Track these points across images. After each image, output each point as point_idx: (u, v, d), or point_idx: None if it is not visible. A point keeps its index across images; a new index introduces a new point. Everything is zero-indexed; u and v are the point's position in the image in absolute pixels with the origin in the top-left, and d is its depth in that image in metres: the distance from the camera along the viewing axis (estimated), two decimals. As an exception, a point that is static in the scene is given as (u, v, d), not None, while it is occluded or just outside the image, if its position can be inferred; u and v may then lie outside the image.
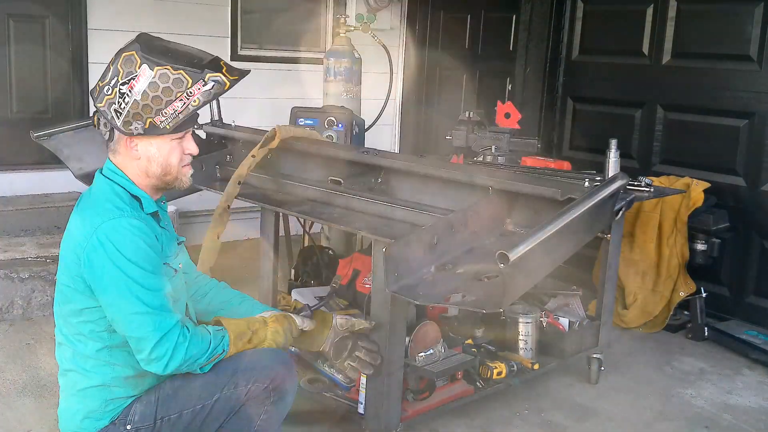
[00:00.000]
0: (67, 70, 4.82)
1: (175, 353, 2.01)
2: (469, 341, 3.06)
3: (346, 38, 4.14)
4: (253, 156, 2.87)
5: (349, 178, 2.81)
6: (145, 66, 1.99)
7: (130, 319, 2.02)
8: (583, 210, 2.21)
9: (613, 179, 2.63)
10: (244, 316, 2.28)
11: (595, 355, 3.41)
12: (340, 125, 3.59)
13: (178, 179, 2.17)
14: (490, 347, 3.10)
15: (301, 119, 3.72)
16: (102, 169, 2.17)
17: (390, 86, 4.46)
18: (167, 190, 2.21)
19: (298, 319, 2.30)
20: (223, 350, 2.11)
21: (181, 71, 2.02)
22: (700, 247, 4.09)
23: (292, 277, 3.96)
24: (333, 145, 3.33)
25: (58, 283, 2.29)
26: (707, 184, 4.07)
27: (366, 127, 4.23)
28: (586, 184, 2.74)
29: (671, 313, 4.12)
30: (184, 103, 2.04)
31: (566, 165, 3.67)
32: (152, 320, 2.01)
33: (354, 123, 3.71)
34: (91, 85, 4.94)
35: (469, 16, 5.90)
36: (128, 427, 2.18)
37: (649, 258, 4.11)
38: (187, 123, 2.09)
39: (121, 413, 2.20)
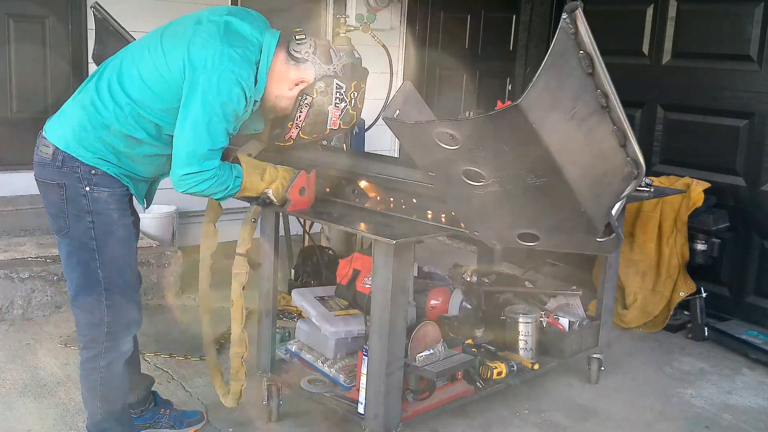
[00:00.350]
0: (67, 70, 4.82)
1: (199, 185, 2.29)
2: (469, 341, 3.06)
3: (346, 38, 4.15)
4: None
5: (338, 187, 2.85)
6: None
7: (192, 134, 2.27)
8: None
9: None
10: None
11: (595, 355, 3.42)
12: None
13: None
14: (490, 347, 3.10)
15: None
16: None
17: (390, 86, 4.46)
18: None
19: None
20: (236, 191, 2.41)
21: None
22: (700, 247, 4.09)
23: (292, 277, 3.96)
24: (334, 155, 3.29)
25: (150, 45, 2.45)
26: (707, 184, 4.07)
27: (366, 127, 4.23)
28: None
29: (671, 313, 4.13)
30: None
31: (566, 165, 3.67)
32: (202, 152, 2.26)
33: (354, 123, 3.70)
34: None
35: (469, 16, 5.90)
36: (84, 183, 2.35)
37: (649, 258, 4.11)
38: None
39: (92, 165, 2.35)
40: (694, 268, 4.12)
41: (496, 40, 5.66)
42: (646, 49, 4.63)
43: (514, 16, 5.47)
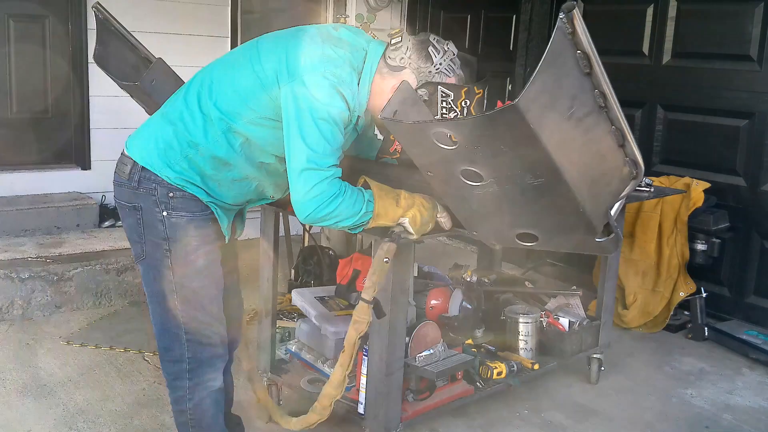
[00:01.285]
0: (67, 70, 4.83)
1: (327, 204, 2.06)
2: (469, 341, 3.06)
3: None
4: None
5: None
6: None
7: (302, 142, 2.06)
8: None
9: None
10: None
11: (595, 356, 3.42)
12: None
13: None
14: (490, 347, 3.10)
15: None
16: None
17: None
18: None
19: (445, 215, 2.30)
20: (368, 219, 2.15)
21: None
22: (701, 247, 4.09)
23: (292, 277, 3.95)
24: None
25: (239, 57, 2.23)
26: (707, 185, 4.07)
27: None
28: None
29: (671, 313, 4.13)
30: None
31: (566, 165, 3.67)
32: (321, 152, 2.05)
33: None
34: (91, 85, 5.01)
35: (469, 16, 5.90)
36: (162, 208, 2.15)
37: (650, 258, 4.11)
38: None
39: (173, 185, 2.14)
40: (694, 268, 4.12)
41: (496, 40, 5.66)
42: (646, 49, 4.63)
43: (514, 16, 5.47)
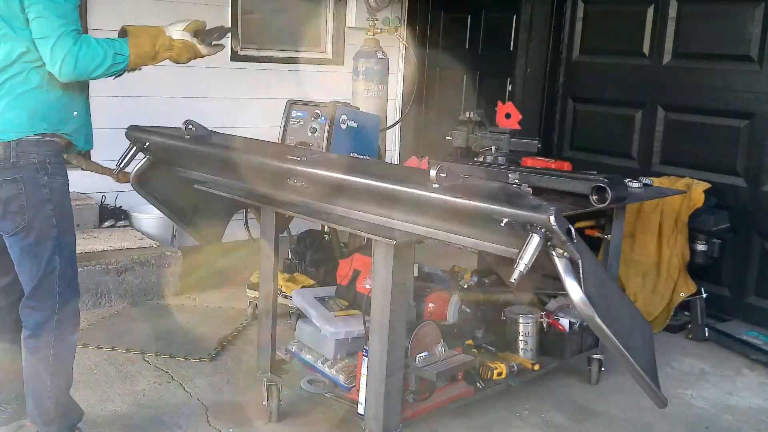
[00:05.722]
0: (67, 70, 4.81)
1: (67, 58, 2.31)
2: (470, 342, 3.06)
3: (375, 40, 4.25)
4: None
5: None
6: None
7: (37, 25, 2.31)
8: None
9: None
10: None
11: (595, 356, 3.42)
12: (323, 118, 3.61)
13: None
14: (490, 348, 3.10)
15: (293, 111, 3.78)
16: None
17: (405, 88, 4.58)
18: None
19: (203, 48, 2.72)
20: (123, 61, 2.45)
21: None
22: (701, 247, 4.09)
23: (290, 256, 4.03)
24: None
25: None
26: (708, 185, 4.07)
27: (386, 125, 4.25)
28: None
29: (672, 313, 4.12)
30: None
31: (567, 165, 3.67)
32: (55, 25, 2.30)
33: (344, 118, 3.69)
34: (91, 85, 4.98)
35: (469, 16, 5.91)
36: (42, 174, 2.42)
37: (650, 258, 4.11)
38: None
39: (49, 134, 2.44)
40: (694, 269, 4.12)
41: (496, 40, 5.66)
42: (646, 49, 4.63)
43: (515, 16, 5.48)
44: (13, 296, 2.59)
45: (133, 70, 2.53)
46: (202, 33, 2.73)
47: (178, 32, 2.68)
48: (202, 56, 2.71)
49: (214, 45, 2.75)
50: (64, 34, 2.30)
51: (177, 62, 2.64)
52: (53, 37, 2.30)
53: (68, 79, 2.37)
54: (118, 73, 2.50)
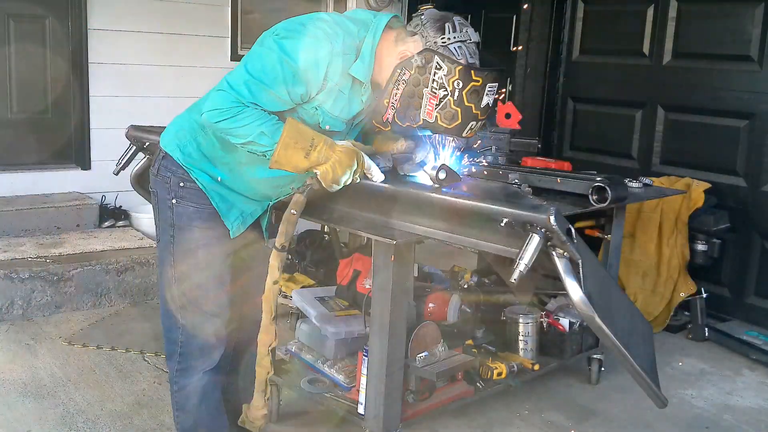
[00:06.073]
0: (67, 70, 4.82)
1: (216, 113, 2.03)
2: (470, 342, 3.06)
3: None
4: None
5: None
6: None
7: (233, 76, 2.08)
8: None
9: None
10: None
11: (595, 356, 3.41)
12: None
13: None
14: (490, 348, 3.10)
15: None
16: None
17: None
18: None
19: (374, 169, 2.21)
20: (269, 142, 2.04)
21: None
22: (701, 247, 4.08)
23: (289, 256, 4.04)
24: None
25: None
26: (708, 185, 4.07)
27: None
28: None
29: (672, 313, 4.12)
30: None
31: (567, 165, 3.67)
32: (240, 80, 2.04)
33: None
34: (91, 85, 5.02)
35: (469, 16, 5.85)
36: (171, 195, 2.23)
37: (650, 258, 4.11)
38: None
39: (185, 174, 2.22)
40: (694, 269, 4.12)
41: (496, 40, 5.66)
42: (646, 49, 4.63)
43: (514, 16, 5.47)
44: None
45: (276, 163, 2.08)
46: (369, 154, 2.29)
47: (342, 142, 2.20)
48: (364, 170, 2.20)
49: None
50: (237, 92, 2.03)
51: (327, 180, 2.14)
52: (227, 86, 2.05)
53: (207, 121, 2.09)
54: (257, 153, 2.11)
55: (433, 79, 2.05)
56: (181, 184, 2.21)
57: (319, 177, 2.14)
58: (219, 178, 2.22)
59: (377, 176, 2.24)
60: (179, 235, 2.24)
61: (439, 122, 2.13)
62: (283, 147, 2.03)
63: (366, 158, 2.20)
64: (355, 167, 2.15)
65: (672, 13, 4.49)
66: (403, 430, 2.61)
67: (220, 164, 2.20)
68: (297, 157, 2.05)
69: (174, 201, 2.22)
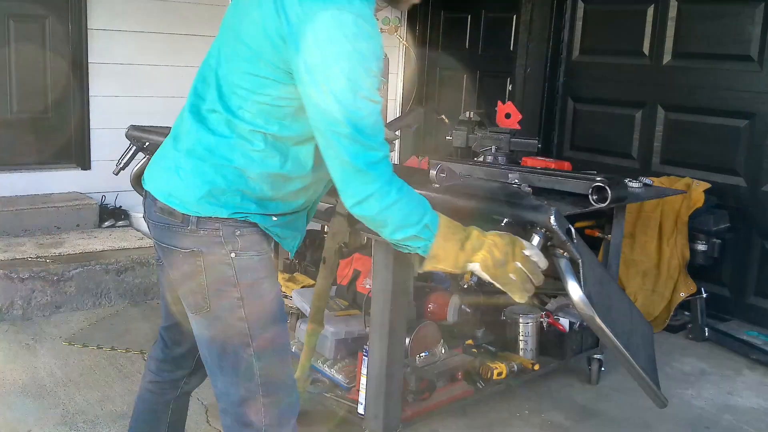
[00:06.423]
0: (67, 70, 4.82)
1: (376, 197, 1.61)
2: (470, 342, 3.06)
3: None
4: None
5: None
6: None
7: (337, 105, 1.56)
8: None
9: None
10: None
11: (595, 356, 3.42)
12: None
13: None
14: (490, 348, 3.10)
15: None
16: None
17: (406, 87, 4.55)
18: None
19: (527, 246, 1.78)
20: (429, 235, 1.68)
21: None
22: (701, 247, 4.08)
23: (289, 256, 4.05)
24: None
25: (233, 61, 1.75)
26: (708, 185, 4.07)
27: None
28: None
29: (672, 313, 4.12)
30: None
31: (566, 165, 3.67)
32: (363, 126, 1.57)
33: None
34: (91, 85, 5.03)
35: (469, 16, 5.90)
36: (229, 249, 1.75)
37: (650, 258, 4.11)
38: None
39: (237, 220, 1.74)
40: (694, 269, 4.12)
41: (496, 40, 5.66)
42: (646, 49, 4.63)
43: (514, 16, 5.47)
44: (181, 371, 2.11)
45: (433, 259, 1.71)
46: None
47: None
48: (525, 256, 1.76)
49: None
50: (381, 160, 1.62)
51: (489, 267, 1.72)
52: (361, 161, 1.59)
53: (358, 215, 1.67)
54: (406, 250, 1.74)
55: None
56: (237, 233, 1.75)
57: (480, 268, 1.74)
58: (274, 217, 1.80)
59: (542, 262, 1.80)
60: (249, 295, 1.77)
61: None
62: (443, 239, 1.70)
63: (521, 240, 1.80)
64: (511, 248, 1.77)
65: (672, 13, 4.49)
66: (403, 430, 2.61)
67: (271, 201, 1.79)
68: (454, 250, 1.71)
69: (233, 255, 1.75)
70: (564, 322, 3.29)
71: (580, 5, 5.03)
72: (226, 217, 1.73)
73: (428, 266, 1.73)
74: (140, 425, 2.20)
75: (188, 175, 1.75)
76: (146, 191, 1.85)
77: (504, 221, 1.99)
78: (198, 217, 1.73)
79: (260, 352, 1.78)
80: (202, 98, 1.80)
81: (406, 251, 1.74)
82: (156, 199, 1.79)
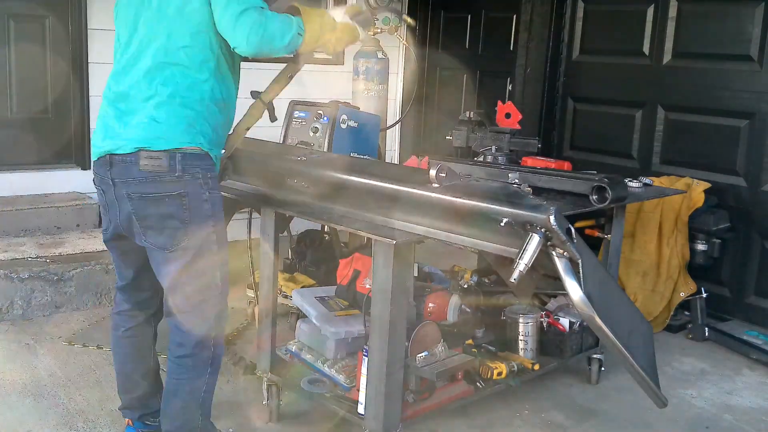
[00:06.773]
0: (67, 70, 4.82)
1: (254, 28, 2.14)
2: (470, 342, 3.06)
3: (375, 40, 4.26)
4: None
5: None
6: None
7: None
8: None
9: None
10: None
11: (595, 356, 3.42)
12: (325, 118, 3.62)
13: None
14: (490, 348, 3.10)
15: (296, 112, 3.79)
16: None
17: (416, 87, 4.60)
18: None
19: (360, 31, 2.52)
20: (299, 34, 2.26)
21: None
22: (701, 247, 4.09)
23: (290, 256, 4.03)
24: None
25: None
26: (708, 185, 4.07)
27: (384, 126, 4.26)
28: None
29: (672, 313, 4.12)
30: None
31: (566, 165, 3.67)
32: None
33: (344, 117, 3.70)
34: (91, 85, 5.01)
35: (469, 16, 5.90)
36: (205, 189, 2.29)
37: (650, 258, 4.11)
38: None
39: (209, 164, 2.31)
40: (694, 269, 4.12)
41: (496, 40, 5.66)
42: (646, 49, 4.63)
43: (515, 16, 5.47)
44: (150, 310, 2.65)
45: (299, 54, 2.43)
46: (357, 18, 2.57)
47: (339, 15, 2.50)
48: (359, 40, 2.58)
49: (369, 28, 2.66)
50: (249, 9, 2.17)
51: (332, 50, 2.48)
52: (239, 8, 2.16)
53: (254, 50, 2.20)
54: (293, 51, 2.35)
55: None
56: (209, 175, 2.29)
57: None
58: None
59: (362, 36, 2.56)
60: (218, 224, 2.33)
61: None
62: (309, 30, 2.31)
63: (357, 26, 2.54)
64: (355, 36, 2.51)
65: (672, 13, 4.49)
66: (403, 430, 2.61)
67: (221, 128, 2.37)
68: (316, 35, 2.34)
69: (208, 193, 2.28)
70: (564, 322, 3.29)
71: (580, 5, 5.03)
72: (206, 148, 2.25)
73: (304, 48, 2.32)
74: (127, 366, 2.75)
75: (161, 116, 2.23)
76: (113, 155, 2.39)
77: (504, 221, 2.00)
78: (182, 154, 2.20)
79: (223, 263, 2.37)
80: (147, 59, 2.29)
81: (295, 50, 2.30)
82: (136, 155, 2.24)
